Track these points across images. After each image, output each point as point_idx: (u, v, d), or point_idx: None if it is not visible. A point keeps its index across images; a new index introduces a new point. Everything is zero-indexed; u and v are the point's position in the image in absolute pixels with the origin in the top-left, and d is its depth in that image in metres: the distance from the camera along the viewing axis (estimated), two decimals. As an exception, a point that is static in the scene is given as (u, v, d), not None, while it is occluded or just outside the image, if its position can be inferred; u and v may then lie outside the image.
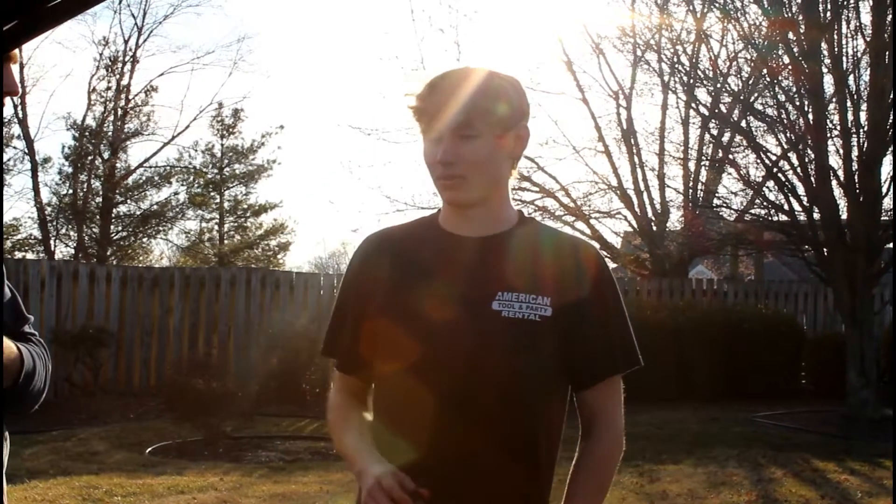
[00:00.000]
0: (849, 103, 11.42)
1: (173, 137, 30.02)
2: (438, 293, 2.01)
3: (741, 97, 13.38)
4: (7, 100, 1.93)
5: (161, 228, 31.33)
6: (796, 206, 11.89)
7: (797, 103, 11.66)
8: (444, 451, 1.94)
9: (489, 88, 2.01)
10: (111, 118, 29.07)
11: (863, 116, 11.44)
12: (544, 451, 2.02)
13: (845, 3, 11.38)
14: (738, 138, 15.49)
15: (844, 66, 11.39)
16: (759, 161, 12.71)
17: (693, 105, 14.39)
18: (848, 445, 9.58)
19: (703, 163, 18.13)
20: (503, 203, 2.10)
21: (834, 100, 11.68)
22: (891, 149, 11.54)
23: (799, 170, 11.67)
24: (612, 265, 16.33)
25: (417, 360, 1.98)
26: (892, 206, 12.05)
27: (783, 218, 12.35)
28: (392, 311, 2.03)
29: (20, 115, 26.81)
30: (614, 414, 2.07)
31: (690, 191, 18.06)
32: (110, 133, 28.89)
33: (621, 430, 2.07)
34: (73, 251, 28.67)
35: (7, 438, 2.07)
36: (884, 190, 11.44)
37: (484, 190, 2.04)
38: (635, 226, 18.23)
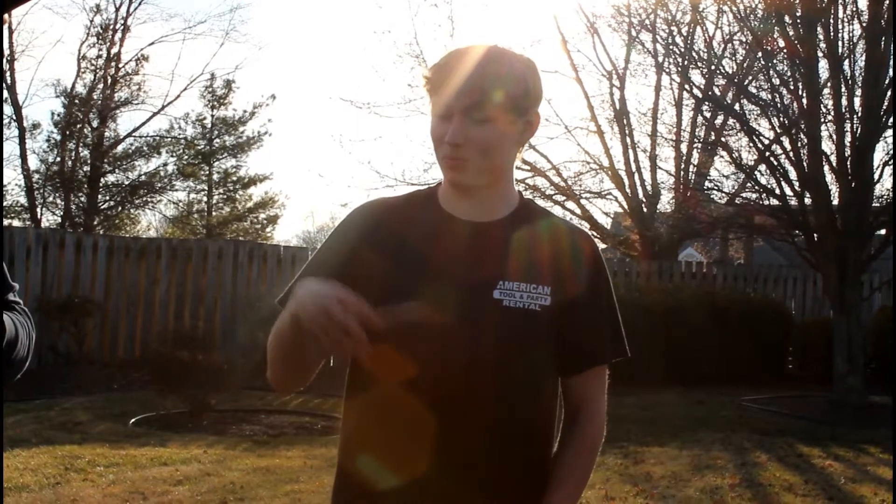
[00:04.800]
0: (843, 88, 11.39)
1: (163, 107, 29.87)
2: (438, 280, 1.94)
3: (735, 80, 13.34)
4: None
5: (149, 199, 31.15)
6: (788, 191, 11.88)
7: (791, 87, 11.62)
8: (445, 435, 1.89)
9: (508, 73, 1.94)
10: (101, 86, 28.87)
11: (857, 102, 11.41)
12: (541, 438, 2.01)
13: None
14: (731, 121, 15.47)
15: (840, 50, 11.35)
16: (751, 144, 12.69)
17: (687, 87, 14.34)
18: (833, 431, 9.58)
19: (695, 145, 18.13)
20: (506, 187, 2.05)
21: (828, 85, 11.65)
22: (884, 135, 11.54)
23: (791, 154, 11.65)
24: (601, 246, 16.31)
25: (417, 348, 1.90)
26: (885, 193, 12.07)
27: (774, 202, 12.33)
28: (391, 297, 1.90)
29: (8, 81, 26.63)
30: (599, 402, 2.06)
31: (682, 173, 18.06)
32: (100, 101, 28.69)
33: (604, 417, 2.07)
34: (59, 220, 28.52)
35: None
36: (876, 176, 11.42)
37: (487, 175, 1.97)
38: (626, 207, 18.23)
